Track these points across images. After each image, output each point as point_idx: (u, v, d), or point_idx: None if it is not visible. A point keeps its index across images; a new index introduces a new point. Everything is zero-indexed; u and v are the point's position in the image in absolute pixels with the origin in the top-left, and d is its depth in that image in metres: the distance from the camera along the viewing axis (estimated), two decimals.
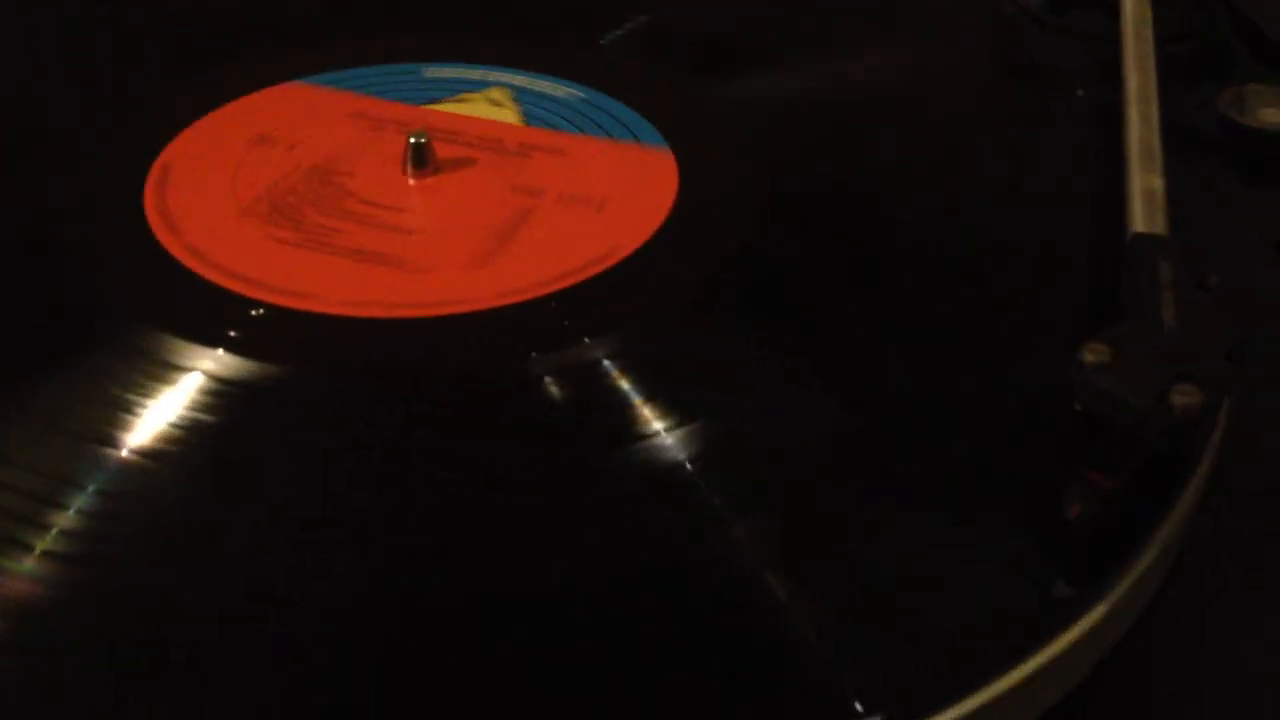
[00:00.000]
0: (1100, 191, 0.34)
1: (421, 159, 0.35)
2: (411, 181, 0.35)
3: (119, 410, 0.28)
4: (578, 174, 0.36)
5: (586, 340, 0.30)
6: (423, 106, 0.38)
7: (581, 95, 0.39)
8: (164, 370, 0.29)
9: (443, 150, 0.36)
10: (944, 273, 0.33)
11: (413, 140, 0.35)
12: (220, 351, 0.29)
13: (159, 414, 0.28)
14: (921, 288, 0.32)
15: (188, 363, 0.29)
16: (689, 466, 0.27)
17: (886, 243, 0.34)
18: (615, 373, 0.29)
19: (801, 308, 0.32)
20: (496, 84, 0.39)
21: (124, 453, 0.27)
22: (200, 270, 0.32)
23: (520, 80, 0.39)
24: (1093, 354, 0.26)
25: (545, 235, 0.33)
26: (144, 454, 0.27)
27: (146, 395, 0.28)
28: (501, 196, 0.35)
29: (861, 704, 0.23)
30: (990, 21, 0.45)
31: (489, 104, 0.39)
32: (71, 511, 0.26)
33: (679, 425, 0.28)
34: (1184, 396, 0.25)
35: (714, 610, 0.25)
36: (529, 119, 0.38)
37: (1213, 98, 0.41)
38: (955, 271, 0.33)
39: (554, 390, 0.29)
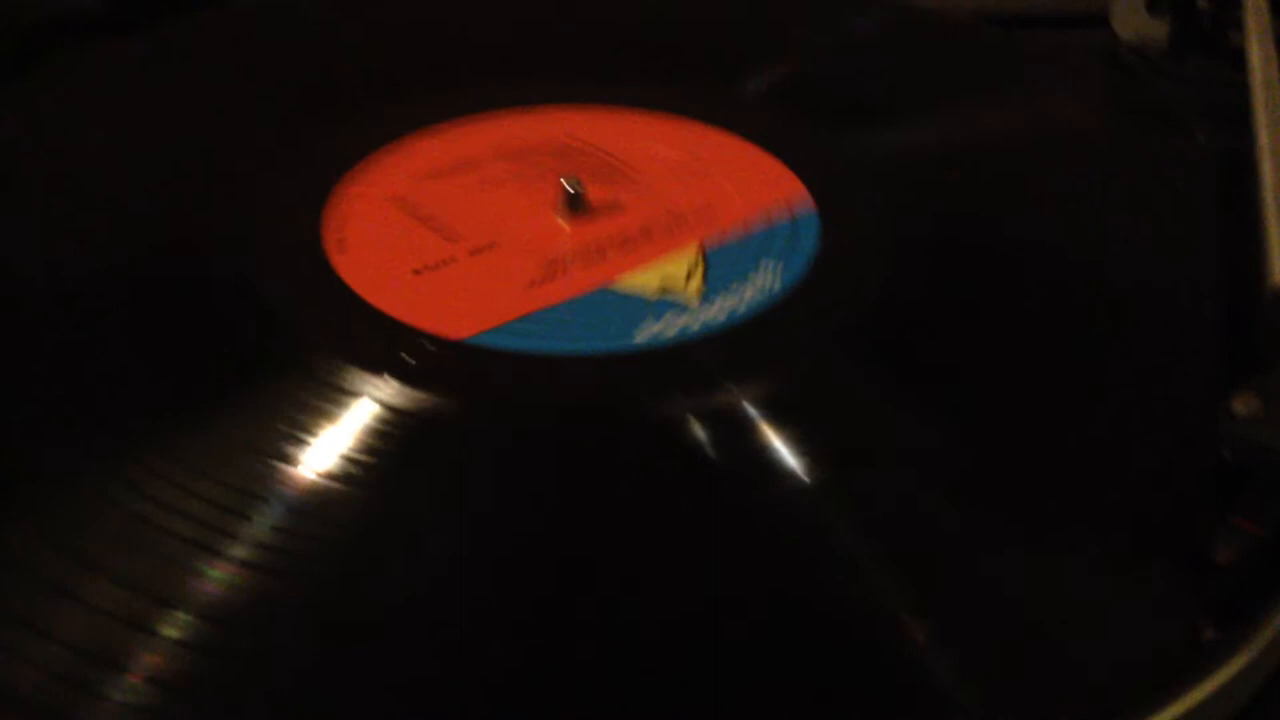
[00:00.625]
0: (1226, 238, 0.36)
1: (576, 204, 0.37)
2: (564, 224, 0.37)
3: (299, 431, 0.30)
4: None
5: (733, 383, 0.31)
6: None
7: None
8: (340, 396, 0.30)
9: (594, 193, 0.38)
10: (1080, 319, 0.34)
11: (568, 189, 0.37)
12: (390, 380, 0.31)
13: (335, 437, 0.30)
14: (1059, 334, 0.34)
15: (361, 389, 0.30)
16: (833, 507, 0.28)
17: (1022, 290, 0.35)
18: (762, 413, 0.31)
19: (941, 355, 0.33)
20: None
21: (304, 470, 0.29)
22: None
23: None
24: (1244, 405, 0.27)
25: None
26: (323, 474, 0.29)
27: (323, 419, 0.30)
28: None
29: None
30: (1112, 69, 0.47)
31: None
32: (257, 522, 0.28)
33: (821, 464, 0.29)
34: None
35: (853, 653, 0.26)
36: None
37: None
38: (1090, 318, 0.35)
39: (703, 429, 0.30)
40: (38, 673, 0.25)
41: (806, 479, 0.29)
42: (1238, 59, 0.43)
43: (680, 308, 0.34)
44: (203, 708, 0.25)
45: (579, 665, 0.26)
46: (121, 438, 0.30)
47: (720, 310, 0.33)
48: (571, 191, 0.37)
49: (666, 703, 0.25)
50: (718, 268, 0.35)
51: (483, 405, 0.31)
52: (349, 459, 0.29)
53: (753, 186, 0.38)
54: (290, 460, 0.29)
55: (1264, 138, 0.37)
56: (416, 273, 0.35)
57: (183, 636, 0.26)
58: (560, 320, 0.33)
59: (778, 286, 0.34)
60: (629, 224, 0.37)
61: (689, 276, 0.35)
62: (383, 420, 0.30)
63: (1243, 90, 0.40)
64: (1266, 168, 0.35)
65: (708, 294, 0.34)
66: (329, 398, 0.30)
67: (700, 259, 0.35)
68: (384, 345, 0.32)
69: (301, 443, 0.29)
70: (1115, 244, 0.38)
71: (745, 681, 0.26)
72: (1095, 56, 0.48)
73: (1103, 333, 0.34)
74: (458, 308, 0.34)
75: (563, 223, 0.37)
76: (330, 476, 0.29)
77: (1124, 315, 0.35)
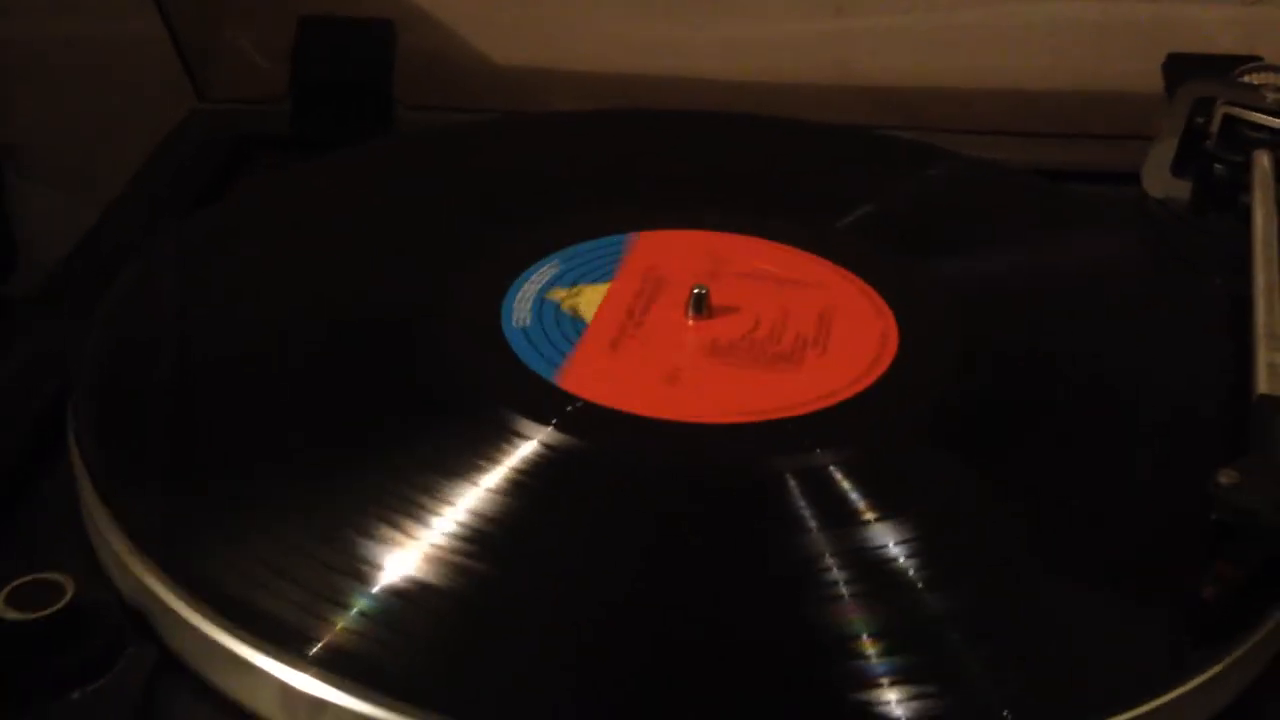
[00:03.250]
0: (1233, 360, 0.44)
1: (700, 306, 0.46)
2: (690, 322, 0.46)
3: (477, 459, 0.38)
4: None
5: (822, 452, 0.40)
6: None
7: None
8: (509, 438, 0.39)
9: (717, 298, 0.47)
10: (1108, 418, 0.43)
11: (695, 291, 0.46)
12: (546, 428, 0.39)
13: (501, 469, 0.38)
14: (1091, 428, 0.42)
15: (525, 433, 0.39)
16: (903, 560, 0.37)
17: (1064, 391, 0.44)
18: (850, 479, 0.39)
19: (995, 442, 0.41)
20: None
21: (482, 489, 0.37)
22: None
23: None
24: (1227, 477, 0.35)
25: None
26: (493, 490, 0.37)
27: (498, 454, 0.39)
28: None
29: None
30: (1142, 220, 0.56)
31: None
32: (453, 524, 0.37)
33: (898, 525, 0.37)
34: None
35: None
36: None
37: None
38: (1117, 418, 0.43)
39: (799, 490, 0.39)
40: (291, 605, 0.34)
41: (880, 528, 0.37)
42: (1248, 216, 0.51)
43: None
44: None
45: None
46: (360, 447, 0.39)
47: None
48: (697, 294, 0.46)
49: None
50: None
51: (617, 450, 0.40)
52: (512, 481, 0.38)
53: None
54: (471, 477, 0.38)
55: (1260, 281, 0.45)
56: None
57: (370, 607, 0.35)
58: None
59: None
60: (727, 331, 0.46)
61: None
62: (538, 455, 0.39)
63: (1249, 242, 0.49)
64: (1260, 305, 0.44)
65: None
66: (502, 437, 0.39)
67: None
68: (539, 399, 0.41)
69: (481, 467, 0.38)
70: (1142, 360, 0.46)
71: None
72: (1128, 208, 0.56)
73: (1129, 427, 0.43)
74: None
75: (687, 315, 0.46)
76: (499, 491, 0.37)
77: (1146, 414, 0.43)
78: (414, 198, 0.54)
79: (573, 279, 0.48)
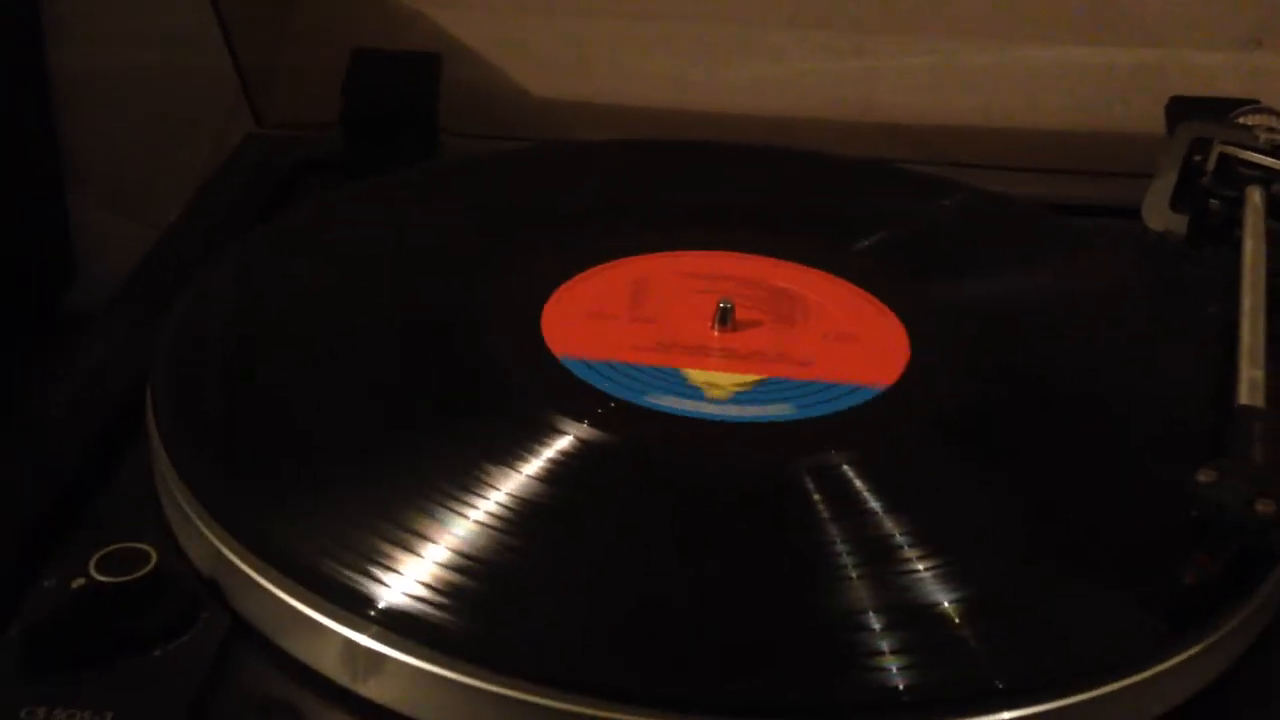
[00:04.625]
0: (1221, 376, 0.47)
1: (725, 318, 0.50)
2: (717, 333, 0.50)
3: (517, 449, 0.42)
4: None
5: (838, 452, 0.43)
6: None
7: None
8: (548, 433, 0.43)
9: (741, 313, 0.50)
10: (1103, 425, 0.46)
11: (721, 305, 0.50)
12: (582, 425, 0.43)
13: (540, 458, 0.42)
14: (1088, 433, 0.46)
15: (563, 428, 0.43)
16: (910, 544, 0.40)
17: (1065, 401, 0.47)
18: (862, 476, 0.42)
19: (998, 442, 0.45)
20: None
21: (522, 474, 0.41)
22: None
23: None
24: (1205, 475, 0.39)
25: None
26: (533, 475, 0.41)
27: (536, 446, 0.42)
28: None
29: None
30: (1143, 251, 0.59)
31: None
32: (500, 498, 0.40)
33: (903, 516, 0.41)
34: (1264, 505, 0.38)
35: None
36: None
37: None
38: (1112, 425, 0.46)
39: (815, 488, 0.42)
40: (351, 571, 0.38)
41: (889, 519, 0.41)
42: (1240, 246, 0.55)
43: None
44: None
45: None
46: (412, 429, 0.44)
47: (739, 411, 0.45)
48: (724, 308, 0.50)
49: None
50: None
51: (641, 447, 0.43)
52: (548, 470, 0.41)
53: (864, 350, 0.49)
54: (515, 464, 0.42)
55: (1245, 304, 0.49)
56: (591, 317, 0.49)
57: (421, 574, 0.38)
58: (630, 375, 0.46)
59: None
60: (748, 344, 0.49)
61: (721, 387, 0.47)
62: (573, 446, 0.42)
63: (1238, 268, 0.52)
64: (1244, 326, 0.47)
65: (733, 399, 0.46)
66: (541, 430, 0.43)
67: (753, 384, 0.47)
68: (575, 398, 0.44)
69: (522, 456, 0.42)
70: (1136, 375, 0.49)
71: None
72: (1130, 240, 0.60)
73: (1123, 434, 0.46)
74: (593, 339, 0.48)
75: (713, 329, 0.50)
76: (537, 478, 0.41)
77: (1138, 422, 0.47)
78: (455, 218, 0.58)
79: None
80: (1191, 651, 0.38)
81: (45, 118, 0.80)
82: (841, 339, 0.50)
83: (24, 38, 0.78)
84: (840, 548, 0.40)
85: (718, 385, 0.47)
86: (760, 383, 0.47)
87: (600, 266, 0.53)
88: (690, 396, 0.46)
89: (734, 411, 0.45)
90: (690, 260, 0.54)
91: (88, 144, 0.82)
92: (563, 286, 0.51)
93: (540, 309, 0.50)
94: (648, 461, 0.43)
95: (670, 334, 0.49)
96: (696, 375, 0.47)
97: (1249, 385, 0.44)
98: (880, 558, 0.40)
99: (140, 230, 0.73)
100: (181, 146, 0.79)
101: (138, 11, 0.77)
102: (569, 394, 0.45)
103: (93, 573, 0.38)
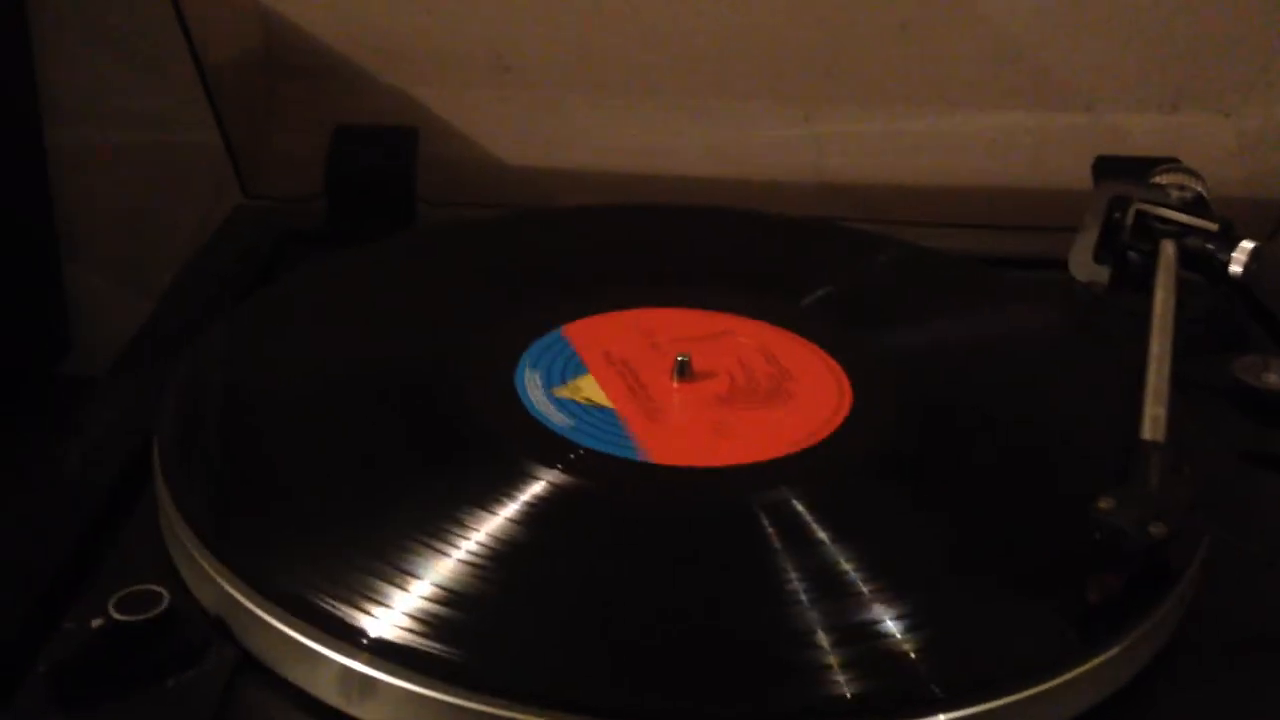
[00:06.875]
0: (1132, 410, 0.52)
1: (684, 371, 0.55)
2: (676, 385, 0.55)
3: (495, 492, 0.46)
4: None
5: (789, 489, 0.48)
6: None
7: None
8: (521, 476, 0.47)
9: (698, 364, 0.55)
10: (1028, 456, 0.51)
11: (679, 359, 0.55)
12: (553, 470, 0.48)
13: (516, 501, 0.46)
14: (1013, 464, 0.51)
15: (535, 474, 0.47)
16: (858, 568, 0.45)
17: (992, 436, 0.52)
18: (812, 511, 0.47)
19: (931, 476, 0.50)
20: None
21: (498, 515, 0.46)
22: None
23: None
24: (1104, 503, 0.43)
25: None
26: (508, 517, 0.46)
27: (513, 489, 0.47)
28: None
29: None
30: (1067, 299, 0.64)
31: None
32: (479, 537, 0.44)
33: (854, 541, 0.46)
34: (1158, 529, 0.43)
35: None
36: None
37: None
38: (1035, 456, 0.52)
39: (771, 527, 0.47)
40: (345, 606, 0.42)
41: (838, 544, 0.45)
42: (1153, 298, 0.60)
43: None
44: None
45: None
46: (398, 479, 0.48)
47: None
48: (680, 360, 0.55)
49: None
50: None
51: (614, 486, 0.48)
52: (525, 512, 0.46)
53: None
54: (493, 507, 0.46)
55: (1153, 349, 0.53)
56: None
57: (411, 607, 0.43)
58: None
59: None
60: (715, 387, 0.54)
61: None
62: (548, 490, 0.47)
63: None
64: (1151, 368, 0.52)
65: None
66: (518, 475, 0.47)
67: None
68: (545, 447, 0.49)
69: (503, 499, 0.46)
70: (1056, 412, 0.55)
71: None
72: (1055, 289, 0.64)
73: (1044, 463, 0.51)
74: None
75: (672, 380, 0.54)
76: (515, 521, 0.46)
77: (1056, 454, 0.52)
78: (433, 282, 0.62)
79: (557, 377, 0.55)
80: (1101, 659, 0.43)
81: (42, 192, 0.85)
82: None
83: (23, 116, 0.82)
84: (792, 574, 0.44)
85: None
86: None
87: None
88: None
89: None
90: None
91: (83, 217, 0.86)
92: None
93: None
94: (609, 503, 0.47)
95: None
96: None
97: (1151, 421, 0.49)
98: (827, 582, 0.44)
99: (135, 298, 0.77)
100: (173, 219, 0.84)
101: (131, 91, 0.82)
102: (540, 443, 0.49)
103: (112, 613, 0.42)
